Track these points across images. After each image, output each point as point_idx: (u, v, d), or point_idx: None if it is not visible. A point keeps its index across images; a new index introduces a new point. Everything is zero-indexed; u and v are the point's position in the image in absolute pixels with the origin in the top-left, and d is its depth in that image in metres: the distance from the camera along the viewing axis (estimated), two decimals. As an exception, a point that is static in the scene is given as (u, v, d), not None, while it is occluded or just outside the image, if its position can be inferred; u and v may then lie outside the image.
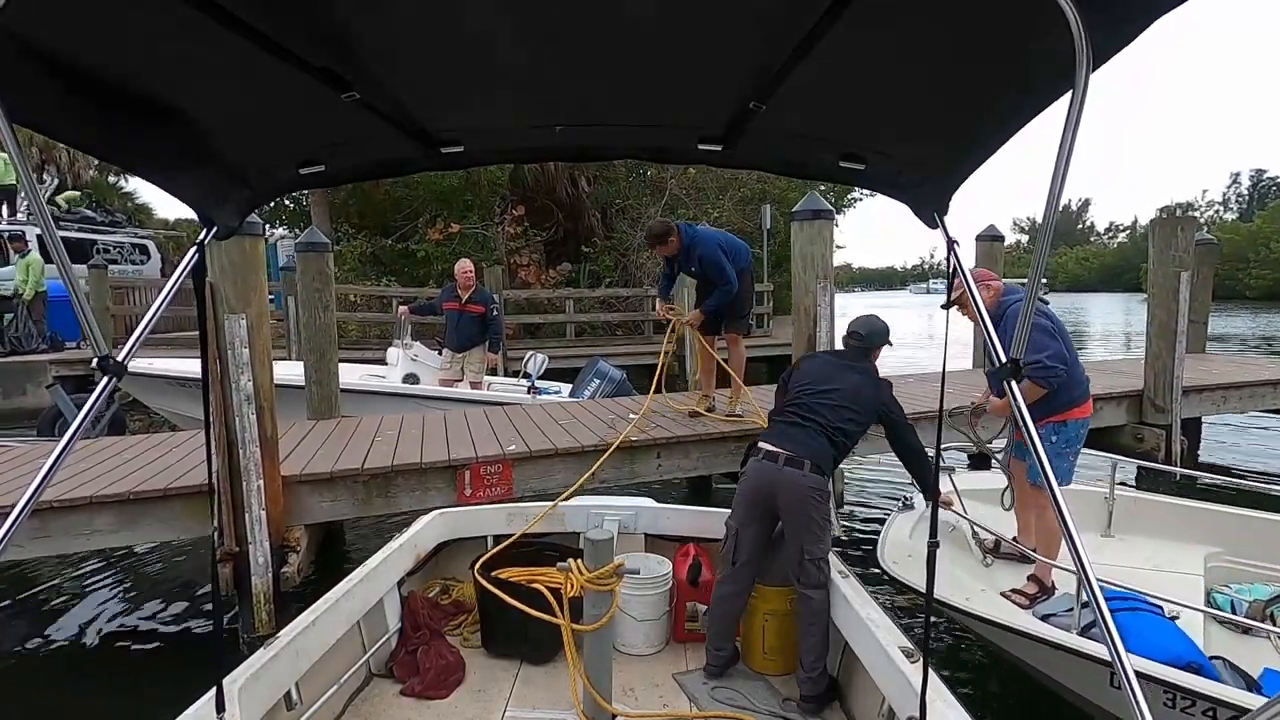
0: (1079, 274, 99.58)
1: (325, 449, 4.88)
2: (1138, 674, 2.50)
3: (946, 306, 2.05)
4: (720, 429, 5.18)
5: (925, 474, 3.28)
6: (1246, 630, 3.22)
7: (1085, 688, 2.88)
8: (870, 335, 3.30)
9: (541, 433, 5.19)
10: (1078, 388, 3.53)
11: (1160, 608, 3.04)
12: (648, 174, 16.99)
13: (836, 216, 21.29)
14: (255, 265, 3.92)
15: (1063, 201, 1.12)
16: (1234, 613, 3.34)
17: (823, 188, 16.50)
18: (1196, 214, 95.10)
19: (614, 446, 4.74)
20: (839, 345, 3.96)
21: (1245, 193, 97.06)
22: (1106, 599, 3.08)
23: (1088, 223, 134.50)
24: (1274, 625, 3.16)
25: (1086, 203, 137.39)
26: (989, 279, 3.77)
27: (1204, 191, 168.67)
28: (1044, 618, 3.11)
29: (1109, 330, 29.02)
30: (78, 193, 18.07)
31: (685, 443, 5.08)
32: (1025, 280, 1.24)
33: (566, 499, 3.75)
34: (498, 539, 3.48)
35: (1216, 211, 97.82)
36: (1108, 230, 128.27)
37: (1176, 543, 3.94)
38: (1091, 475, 4.80)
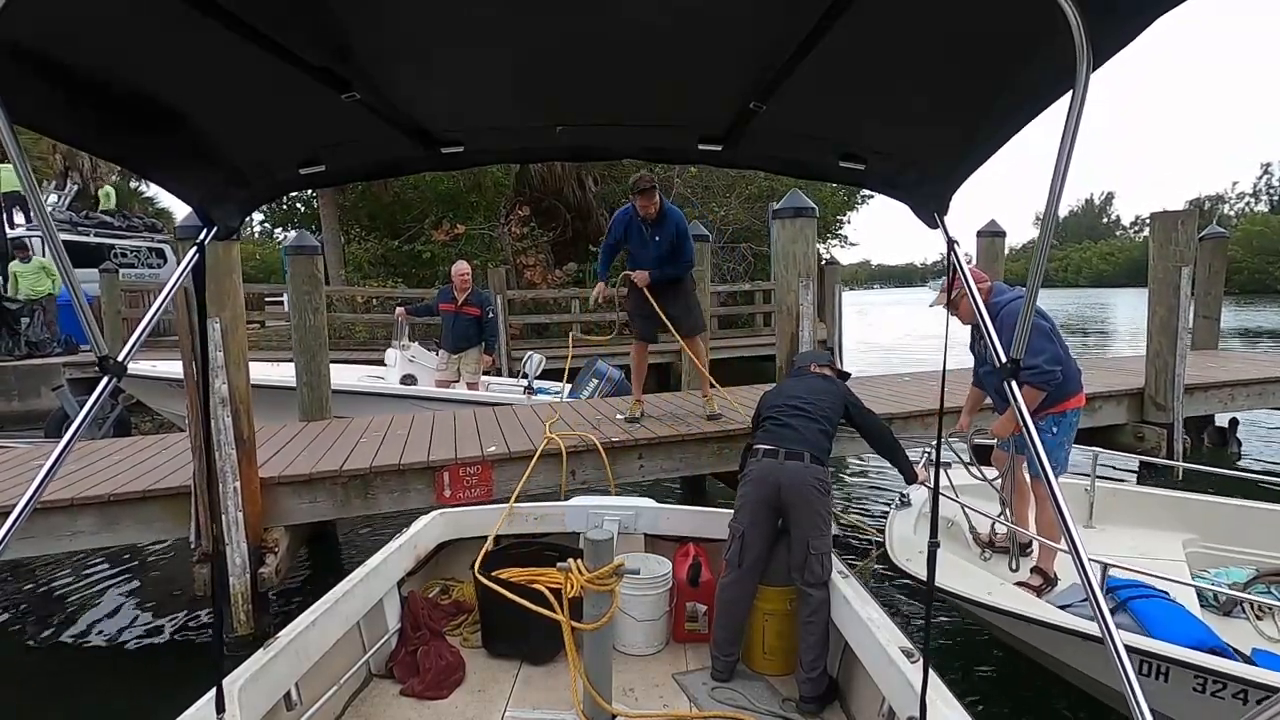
0: (1103, 269, 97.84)
1: (310, 450, 4.92)
2: (1176, 661, 2.53)
3: (947, 307, 2.19)
4: (702, 429, 5.15)
5: (902, 460, 3.47)
6: (1227, 613, 3.34)
7: (1111, 677, 2.86)
8: (803, 356, 3.93)
9: (525, 433, 5.19)
10: (1072, 380, 3.61)
11: (1167, 593, 3.11)
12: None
13: (848, 214, 21.26)
14: (229, 268, 3.97)
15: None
16: (1215, 597, 3.41)
17: (834, 185, 16.38)
18: (1226, 206, 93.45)
19: (538, 451, 4.68)
20: (835, 345, 4.38)
21: (1277, 184, 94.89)
22: (1120, 587, 3.11)
23: (1112, 216, 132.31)
24: (1261, 604, 3.28)
25: (1110, 196, 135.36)
26: (978, 279, 3.75)
27: (1234, 184, 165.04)
28: (1062, 608, 3.13)
29: (1136, 328, 28.45)
30: (111, 189, 18.37)
31: (667, 443, 5.05)
32: (1028, 279, 1.25)
33: (516, 499, 3.80)
34: (498, 539, 3.49)
35: (1248, 204, 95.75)
36: (1133, 224, 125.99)
37: (1155, 531, 4.06)
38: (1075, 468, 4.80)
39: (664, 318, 5.36)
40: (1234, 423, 7.79)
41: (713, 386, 5.69)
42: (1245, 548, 3.85)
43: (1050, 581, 3.61)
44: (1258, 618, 3.29)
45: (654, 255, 5.30)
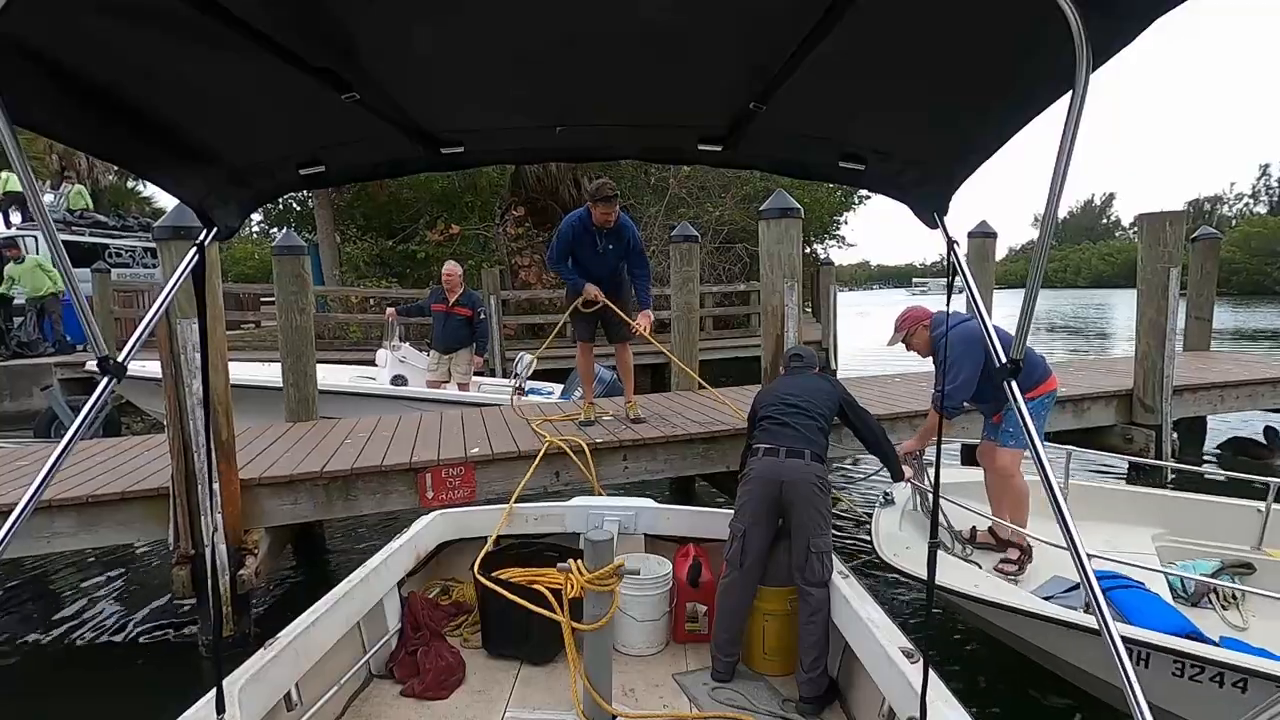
0: (1103, 270, 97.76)
1: (293, 451, 4.91)
2: (1156, 646, 2.60)
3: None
4: (688, 431, 5.13)
5: (893, 459, 3.62)
6: (1195, 604, 3.50)
7: (1099, 667, 2.94)
8: (806, 356, 3.88)
9: (511, 435, 5.18)
10: (1036, 370, 3.79)
11: (1143, 583, 3.22)
12: (651, 175, 16.94)
13: (845, 214, 21.23)
14: (209, 269, 3.93)
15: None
16: (1184, 588, 3.54)
17: (831, 185, 16.34)
18: (1225, 207, 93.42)
19: (539, 455, 4.68)
20: (830, 347, 4.45)
21: (1275, 185, 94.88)
22: (1100, 578, 3.25)
23: (1112, 217, 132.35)
24: (1226, 595, 3.47)
25: (1111, 197, 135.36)
26: (923, 318, 3.94)
27: (1232, 184, 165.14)
28: (1046, 599, 3.18)
29: (1133, 329, 28.44)
30: (82, 186, 18.27)
31: (652, 445, 5.04)
32: (1028, 280, 1.27)
33: (517, 499, 3.80)
34: (498, 540, 3.49)
35: (1246, 205, 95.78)
36: (1132, 225, 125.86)
37: (1125, 525, 4.16)
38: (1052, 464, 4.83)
39: (621, 316, 5.21)
40: (1270, 431, 7.63)
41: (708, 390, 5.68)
42: (1211, 541, 3.98)
43: (1026, 551, 3.70)
44: (1224, 607, 3.45)
45: (606, 265, 5.17)
